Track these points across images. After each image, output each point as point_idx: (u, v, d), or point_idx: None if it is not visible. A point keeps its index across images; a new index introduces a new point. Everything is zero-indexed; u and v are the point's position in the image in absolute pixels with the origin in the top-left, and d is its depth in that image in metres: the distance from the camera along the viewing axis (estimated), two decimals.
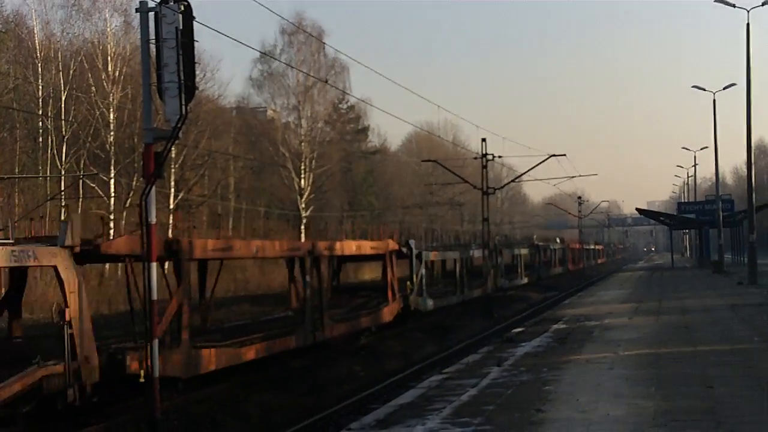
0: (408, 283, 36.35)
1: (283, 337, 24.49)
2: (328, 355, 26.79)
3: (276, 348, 23.79)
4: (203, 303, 24.90)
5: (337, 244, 30.42)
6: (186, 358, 19.55)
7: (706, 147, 77.23)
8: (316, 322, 26.20)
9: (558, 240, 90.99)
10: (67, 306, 16.20)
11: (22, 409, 15.41)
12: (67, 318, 16.08)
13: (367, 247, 33.61)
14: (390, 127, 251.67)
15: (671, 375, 15.46)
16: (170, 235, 48.01)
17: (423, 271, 38.01)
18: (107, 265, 41.76)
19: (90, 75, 47.03)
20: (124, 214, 47.50)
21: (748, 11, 43.52)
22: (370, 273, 60.22)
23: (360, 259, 38.15)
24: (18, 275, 18.47)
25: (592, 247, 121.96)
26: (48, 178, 44.30)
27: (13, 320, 18.73)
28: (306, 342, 25.29)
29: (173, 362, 19.02)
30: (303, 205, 65.96)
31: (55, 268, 16.35)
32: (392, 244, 35.50)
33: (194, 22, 15.26)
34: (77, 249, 16.78)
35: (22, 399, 15.24)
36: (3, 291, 20.10)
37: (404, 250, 36.69)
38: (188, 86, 15.11)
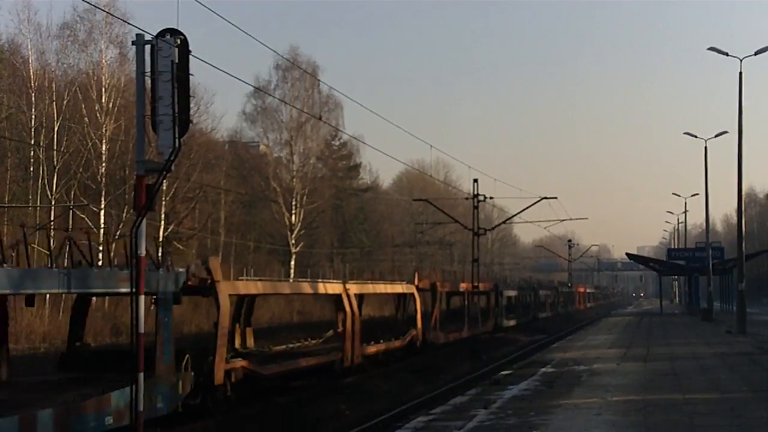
0: (496, 308, 56.78)
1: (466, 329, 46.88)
2: (314, 393, 26.72)
3: (469, 333, 46.63)
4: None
5: (471, 285, 48.28)
6: (438, 335, 41.99)
7: (697, 194, 77.46)
8: (475, 323, 48.54)
9: (569, 285, 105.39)
10: (416, 310, 39.39)
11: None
12: (419, 312, 39.33)
13: (484, 287, 52.92)
14: (382, 164, 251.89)
15: (659, 422, 15.35)
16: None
17: (503, 302, 58.58)
18: (94, 298, 41.49)
19: (83, 106, 47.08)
20: (113, 245, 47.22)
21: (740, 60, 43.79)
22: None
23: (479, 293, 52.75)
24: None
25: (590, 290, 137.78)
26: (38, 207, 44.15)
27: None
28: (470, 334, 46.77)
29: (440, 337, 42.17)
30: (293, 241, 65.94)
31: (412, 294, 40.35)
32: (492, 285, 56.70)
33: (190, 56, 15.27)
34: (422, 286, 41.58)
35: (404, 346, 37.25)
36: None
37: (494, 289, 56.57)
38: (182, 119, 15.08)
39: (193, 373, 19.76)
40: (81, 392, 16.09)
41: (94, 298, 23.55)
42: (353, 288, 32.64)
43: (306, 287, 31.74)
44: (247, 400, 23.27)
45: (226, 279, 23.14)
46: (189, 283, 20.24)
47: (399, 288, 40.85)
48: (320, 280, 34.68)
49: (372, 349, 33.36)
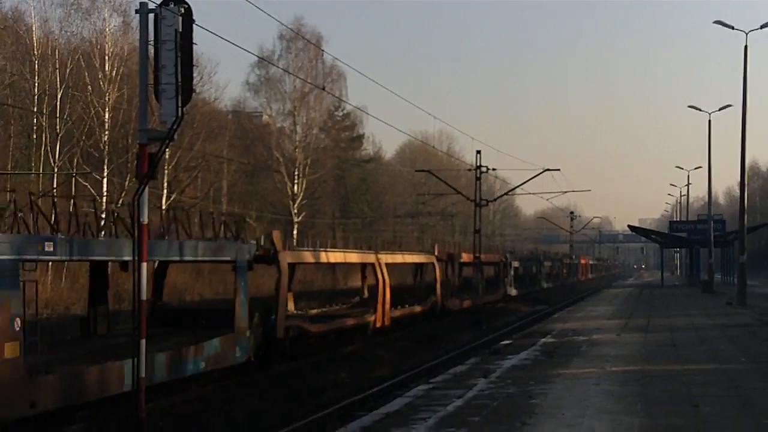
0: (505, 279, 59.88)
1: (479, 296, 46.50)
2: (316, 361, 26.91)
3: (481, 300, 46.16)
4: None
5: (483, 256, 49.06)
6: (454, 301, 44.69)
7: (700, 167, 77.30)
8: (486, 292, 49.17)
9: (572, 257, 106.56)
10: (435, 278, 42.61)
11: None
12: (438, 281, 42.51)
13: (494, 258, 58.38)
14: (385, 135, 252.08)
15: (657, 392, 15.48)
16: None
17: (512, 272, 62.15)
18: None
19: (87, 74, 46.94)
20: (115, 214, 47.30)
21: (746, 33, 43.64)
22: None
23: (488, 264, 56.22)
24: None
25: (592, 262, 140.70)
26: (40, 174, 44.16)
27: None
28: (480, 302, 45.94)
29: (455, 304, 44.90)
30: (295, 211, 65.97)
31: (432, 264, 43.38)
32: (501, 257, 60.21)
33: (193, 25, 15.26)
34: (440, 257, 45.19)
35: (425, 311, 40.54)
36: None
37: (503, 260, 60.02)
38: (185, 88, 15.09)
39: (261, 329, 23.67)
40: (175, 342, 19.28)
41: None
42: (384, 258, 36.57)
43: (350, 257, 36.78)
44: (300, 353, 26.48)
45: (285, 250, 27.20)
46: (258, 253, 24.13)
47: (422, 258, 44.70)
48: (356, 251, 40.69)
49: (398, 312, 36.88)
